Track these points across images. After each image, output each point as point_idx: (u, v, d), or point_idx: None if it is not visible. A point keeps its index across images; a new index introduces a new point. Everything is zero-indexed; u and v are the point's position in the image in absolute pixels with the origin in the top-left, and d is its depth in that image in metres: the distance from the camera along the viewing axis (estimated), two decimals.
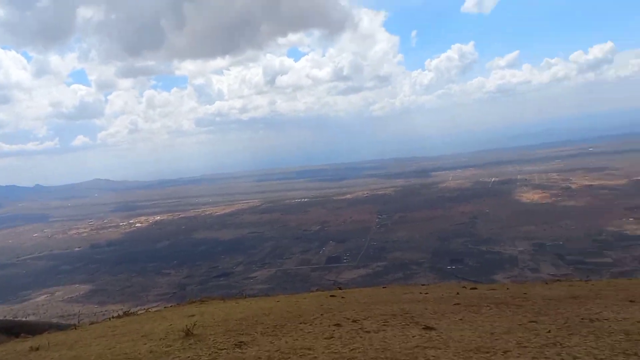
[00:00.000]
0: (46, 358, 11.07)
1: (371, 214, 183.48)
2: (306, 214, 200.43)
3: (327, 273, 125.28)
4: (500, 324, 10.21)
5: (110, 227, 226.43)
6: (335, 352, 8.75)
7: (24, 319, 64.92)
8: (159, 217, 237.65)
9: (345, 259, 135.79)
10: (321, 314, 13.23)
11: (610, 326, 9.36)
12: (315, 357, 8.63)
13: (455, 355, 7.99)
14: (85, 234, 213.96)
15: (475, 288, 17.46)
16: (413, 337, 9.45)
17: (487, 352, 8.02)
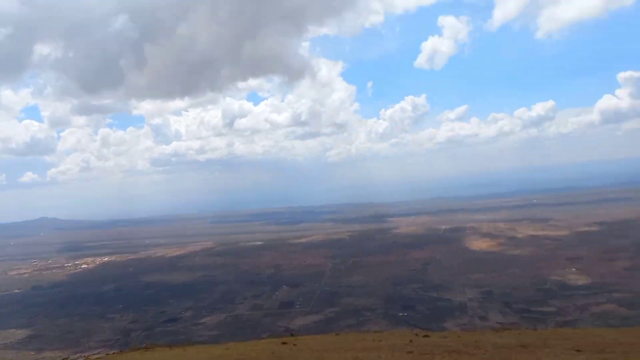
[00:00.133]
0: None
1: (326, 259, 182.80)
2: (260, 257, 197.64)
3: (280, 319, 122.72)
4: None
5: (54, 267, 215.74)
6: None
7: None
8: (107, 258, 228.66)
9: (299, 304, 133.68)
10: None
11: None
12: None
13: None
14: (26, 275, 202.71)
15: (428, 336, 17.51)
16: None
17: None
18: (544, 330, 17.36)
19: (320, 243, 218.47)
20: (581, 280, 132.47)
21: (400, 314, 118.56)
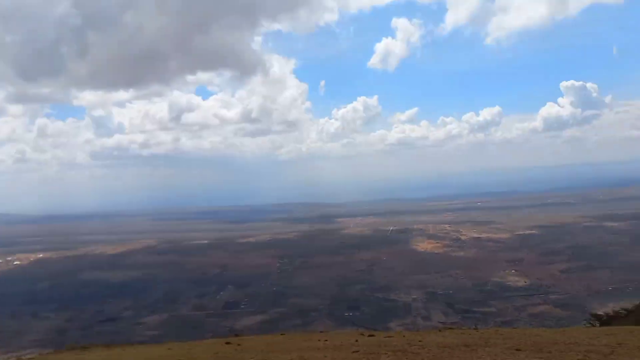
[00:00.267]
0: None
1: (273, 259, 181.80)
2: (205, 256, 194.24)
3: (224, 319, 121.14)
4: None
5: None
6: None
7: None
8: (42, 255, 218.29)
9: (244, 305, 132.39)
10: None
11: None
12: None
13: None
14: None
15: (373, 335, 17.52)
16: None
17: None
18: (486, 330, 17.74)
19: (267, 243, 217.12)
20: (520, 282, 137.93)
21: (346, 314, 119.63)
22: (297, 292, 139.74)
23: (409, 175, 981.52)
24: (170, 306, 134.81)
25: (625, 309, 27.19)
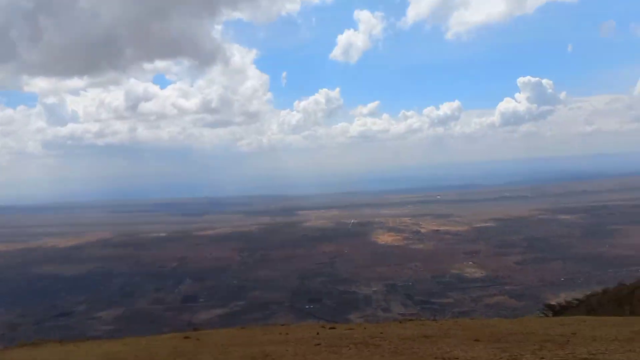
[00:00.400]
0: None
1: (233, 251, 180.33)
2: (163, 249, 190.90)
3: (183, 313, 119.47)
4: None
5: None
6: None
7: None
8: None
9: (203, 298, 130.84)
10: (174, 358, 12.22)
11: None
12: None
13: None
14: None
15: (334, 328, 17.49)
16: None
17: None
18: (445, 321, 18.00)
19: (227, 235, 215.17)
20: (477, 273, 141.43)
21: (307, 307, 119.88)
22: (258, 285, 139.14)
23: (370, 168, 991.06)
24: (126, 300, 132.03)
25: (576, 299, 28.13)
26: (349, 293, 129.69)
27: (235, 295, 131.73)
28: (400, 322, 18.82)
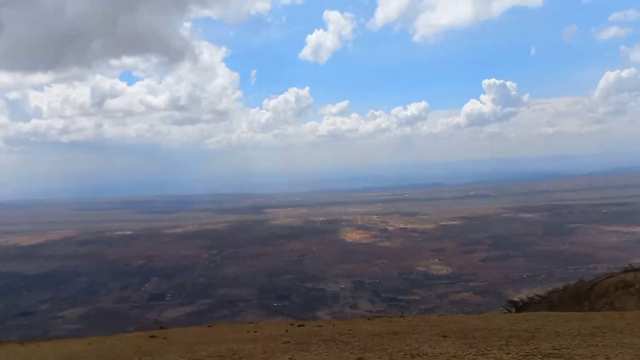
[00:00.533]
0: None
1: (200, 249, 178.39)
2: (129, 247, 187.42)
3: (149, 311, 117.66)
4: None
5: None
6: None
7: None
8: None
9: (170, 296, 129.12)
10: (139, 358, 11.96)
11: None
12: None
13: None
14: None
15: (303, 325, 17.41)
16: None
17: None
18: (413, 317, 18.17)
19: (195, 233, 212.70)
20: (442, 270, 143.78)
21: (275, 305, 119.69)
22: (226, 283, 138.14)
23: (338, 166, 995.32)
24: (91, 298, 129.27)
25: (538, 296, 28.76)
26: (317, 290, 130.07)
27: (202, 293, 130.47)
28: (369, 319, 18.89)
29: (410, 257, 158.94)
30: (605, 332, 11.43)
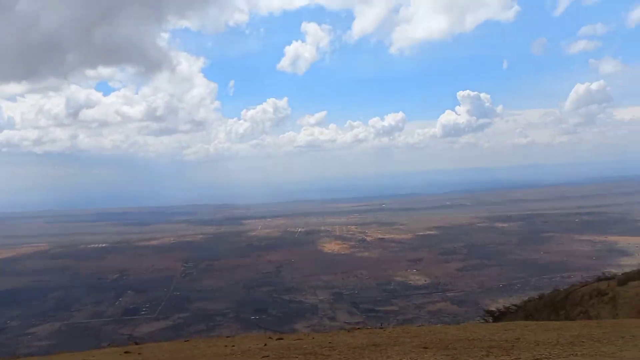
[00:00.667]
0: None
1: (176, 262, 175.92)
2: (103, 260, 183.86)
3: (123, 326, 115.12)
4: None
5: None
6: None
7: None
8: None
9: (145, 311, 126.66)
10: None
11: None
12: None
13: None
14: None
15: (282, 338, 17.18)
16: None
17: None
18: (393, 328, 18.06)
19: (171, 246, 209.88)
20: (420, 280, 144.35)
21: (253, 318, 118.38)
22: (202, 296, 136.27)
23: (317, 177, 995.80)
24: (63, 314, 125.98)
25: (514, 305, 28.98)
26: (295, 302, 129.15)
27: (178, 307, 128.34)
28: (349, 331, 18.73)
29: (388, 267, 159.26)
30: (583, 341, 11.50)
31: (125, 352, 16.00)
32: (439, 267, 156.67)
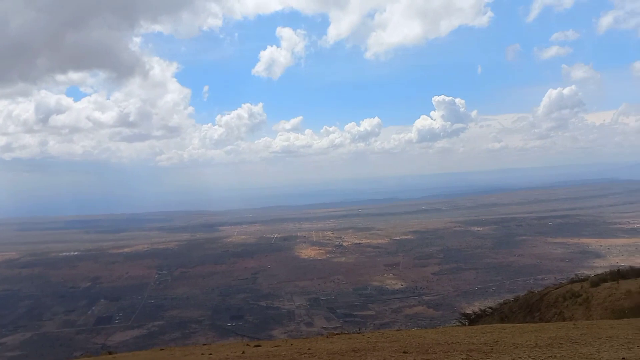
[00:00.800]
0: None
1: (150, 269, 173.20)
2: (75, 268, 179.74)
3: (96, 335, 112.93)
4: None
5: None
6: None
7: None
8: None
9: (118, 319, 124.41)
10: None
11: None
12: None
13: None
14: None
15: (260, 345, 16.95)
16: None
17: None
18: (372, 333, 18.01)
19: (144, 253, 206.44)
20: (397, 285, 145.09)
21: (229, 325, 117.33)
22: (177, 304, 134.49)
23: (293, 183, 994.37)
24: (34, 324, 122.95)
25: (490, 308, 29.28)
26: (272, 308, 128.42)
27: (152, 314, 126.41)
28: (327, 337, 18.60)
29: (365, 272, 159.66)
30: (561, 343, 11.60)
31: None
32: (416, 272, 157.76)
